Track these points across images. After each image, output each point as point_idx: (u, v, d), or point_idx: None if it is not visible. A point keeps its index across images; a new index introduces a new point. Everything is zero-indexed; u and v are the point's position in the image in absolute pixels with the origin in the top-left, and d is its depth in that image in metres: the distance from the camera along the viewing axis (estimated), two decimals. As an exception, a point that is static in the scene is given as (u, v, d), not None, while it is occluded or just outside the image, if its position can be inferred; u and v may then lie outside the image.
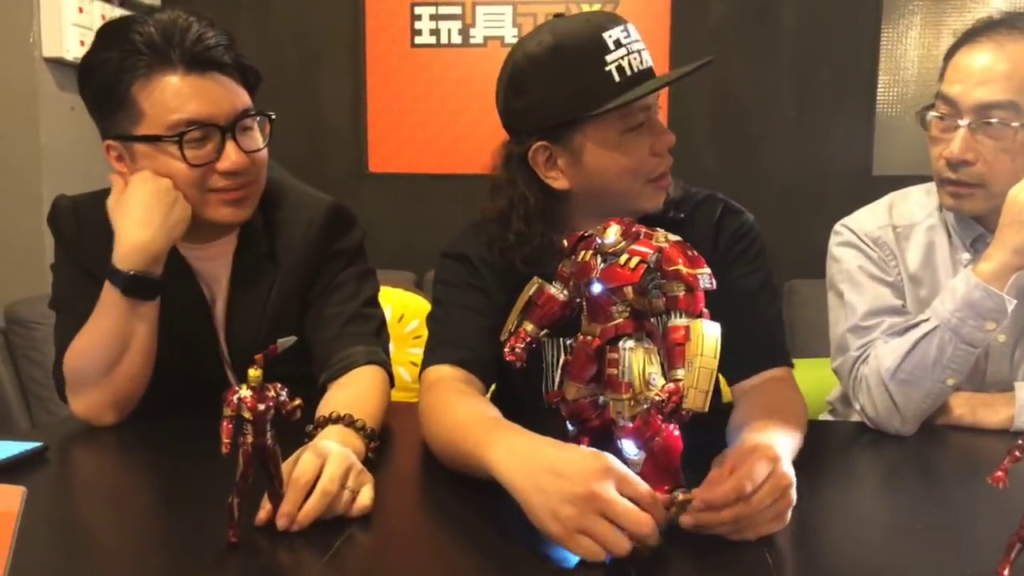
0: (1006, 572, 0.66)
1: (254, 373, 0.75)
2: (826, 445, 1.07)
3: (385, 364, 1.15)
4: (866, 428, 1.15)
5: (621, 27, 0.99)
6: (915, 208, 1.25)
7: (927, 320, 1.10)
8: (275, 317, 1.18)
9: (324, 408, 1.00)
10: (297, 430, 0.92)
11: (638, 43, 1.00)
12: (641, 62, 0.99)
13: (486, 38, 2.74)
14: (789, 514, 0.77)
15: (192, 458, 0.98)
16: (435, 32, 2.75)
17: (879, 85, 2.67)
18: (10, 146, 2.31)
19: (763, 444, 0.79)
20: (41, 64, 2.31)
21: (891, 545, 0.79)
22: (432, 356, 1.06)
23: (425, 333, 2.63)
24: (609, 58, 0.97)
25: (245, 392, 0.75)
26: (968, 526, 0.84)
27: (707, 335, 0.74)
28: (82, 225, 1.15)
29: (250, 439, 0.75)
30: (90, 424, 1.10)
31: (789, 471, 0.77)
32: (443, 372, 1.03)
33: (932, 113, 1.16)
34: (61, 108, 2.29)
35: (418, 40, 2.76)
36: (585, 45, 0.97)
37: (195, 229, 1.11)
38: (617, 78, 0.97)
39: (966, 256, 1.20)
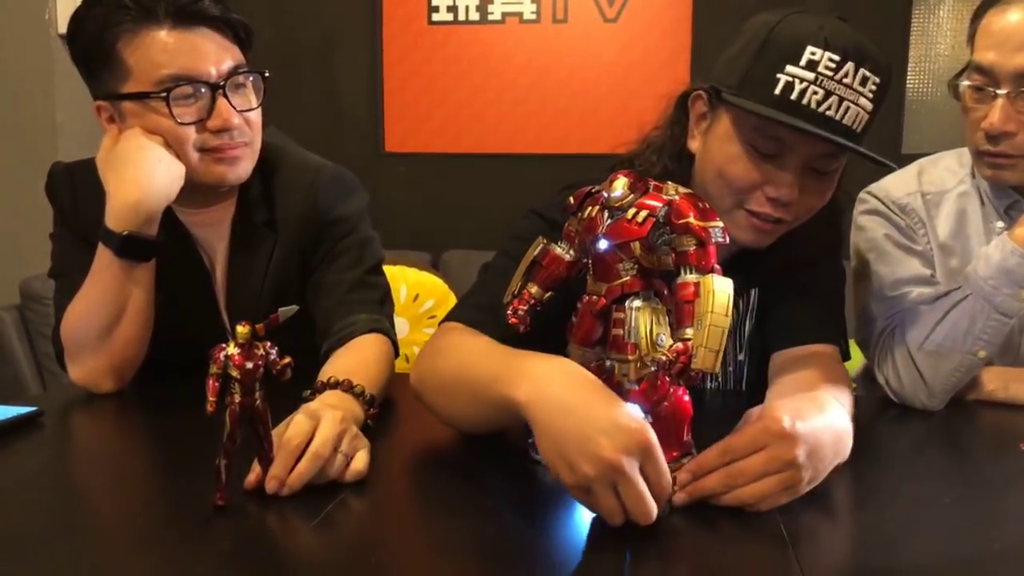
0: (1040, 545, 0.61)
1: (242, 330, 0.73)
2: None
3: (389, 333, 1.12)
4: (891, 403, 1.09)
5: (836, 58, 0.85)
6: (945, 175, 1.19)
7: (958, 288, 1.04)
8: (276, 285, 1.15)
9: (323, 375, 0.97)
10: (294, 397, 0.89)
11: (842, 88, 0.85)
12: (823, 103, 0.85)
13: (504, 14, 2.69)
14: (801, 488, 0.72)
15: (188, 423, 0.96)
16: (452, 8, 2.70)
17: (909, 60, 2.58)
18: (26, 123, 2.32)
19: (771, 408, 0.74)
20: (57, 41, 2.31)
21: (915, 518, 0.74)
22: (467, 315, 0.95)
23: (440, 313, 2.60)
24: (789, 68, 0.86)
25: (232, 349, 0.72)
26: (998, 500, 0.79)
27: (718, 291, 0.70)
28: (77, 191, 1.13)
29: (237, 398, 0.72)
30: (89, 391, 1.08)
31: (799, 436, 0.71)
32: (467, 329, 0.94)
33: (965, 83, 1.09)
34: (77, 85, 2.26)
35: (435, 17, 2.72)
36: (786, 42, 0.87)
37: (190, 192, 1.08)
38: (777, 91, 0.86)
39: (1000, 224, 1.13)
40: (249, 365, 0.72)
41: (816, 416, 0.75)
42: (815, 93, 0.85)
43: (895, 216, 1.17)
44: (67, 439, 1.00)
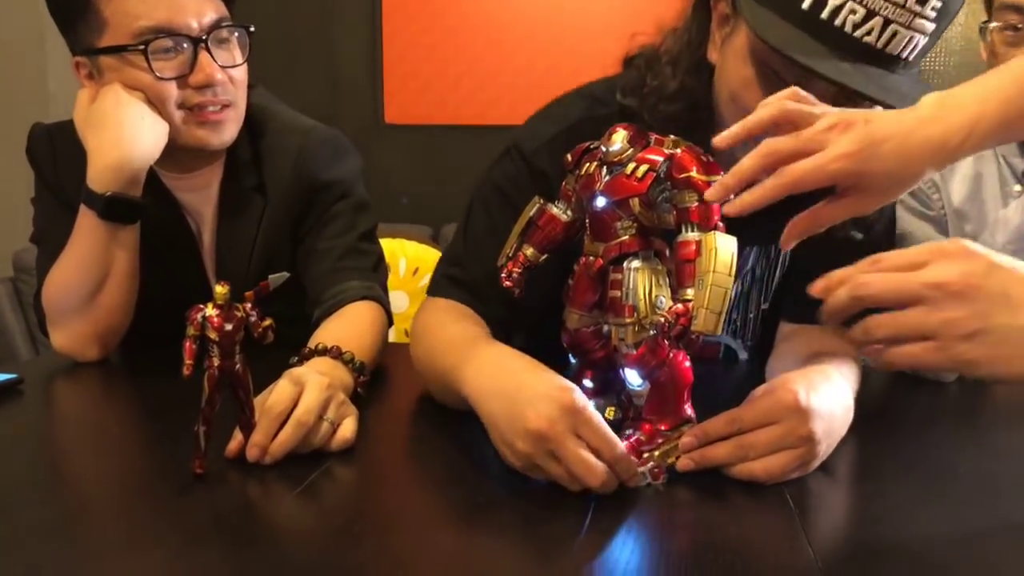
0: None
1: (221, 290, 0.70)
2: (859, 391, 0.99)
3: (382, 300, 1.08)
4: (903, 374, 1.05)
5: None
6: (961, 137, 1.14)
7: (975, 254, 1.00)
8: (266, 252, 1.12)
9: (312, 342, 0.93)
10: (281, 366, 0.86)
11: (890, 7, 0.70)
12: (861, 26, 0.70)
13: (506, -18, 2.63)
14: (814, 464, 0.69)
15: (171, 392, 0.92)
16: (453, -24, 2.65)
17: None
18: (18, 92, 2.28)
19: (783, 380, 0.71)
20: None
21: (928, 488, 0.71)
22: (445, 290, 0.92)
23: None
24: None
25: (210, 310, 0.69)
26: (1013, 471, 0.75)
27: (720, 249, 0.66)
28: (58, 152, 1.10)
29: (216, 361, 0.70)
30: (72, 359, 1.05)
31: (815, 411, 0.67)
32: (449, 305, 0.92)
33: (994, 24, 1.03)
34: (69, 54, 2.25)
35: (436, -15, 2.66)
36: None
37: (175, 155, 1.04)
38: (805, 5, 0.71)
39: (1017, 187, 1.09)
40: (228, 327, 0.69)
41: (827, 390, 0.72)
42: (852, 12, 0.70)
43: (908, 180, 1.12)
44: (47, 407, 0.97)
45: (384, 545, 0.60)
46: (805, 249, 0.96)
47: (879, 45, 0.72)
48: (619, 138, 0.73)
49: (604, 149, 0.74)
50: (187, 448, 0.70)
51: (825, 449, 0.70)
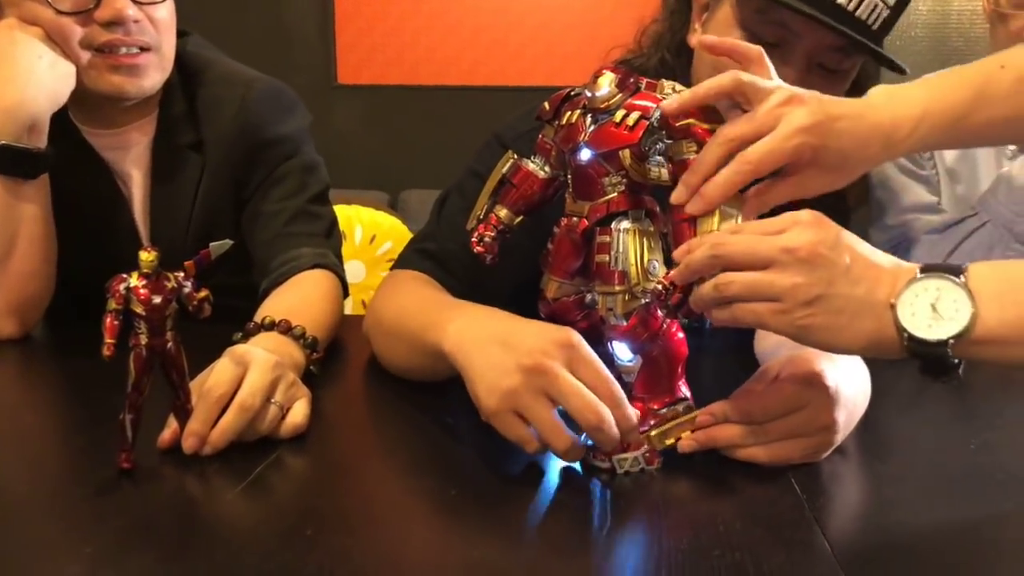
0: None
1: (147, 257, 0.62)
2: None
3: (336, 269, 1.00)
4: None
5: None
6: (953, 92, 1.09)
7: (973, 216, 0.96)
8: (205, 217, 1.03)
9: (259, 315, 0.85)
10: (224, 344, 0.77)
11: None
12: None
13: (465, -66, 2.52)
14: (825, 453, 0.64)
15: (99, 374, 0.82)
16: (409, -74, 2.53)
17: None
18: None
19: (806, 360, 0.64)
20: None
21: (941, 467, 0.66)
22: (416, 263, 0.88)
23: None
24: None
25: (135, 280, 0.61)
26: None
27: (723, 206, 0.59)
28: None
29: (144, 340, 0.62)
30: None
31: (842, 399, 0.62)
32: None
33: None
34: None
35: (391, -64, 2.54)
36: None
37: (94, 107, 0.94)
38: None
39: (1011, 147, 1.04)
40: (157, 299, 0.61)
41: (851, 371, 0.67)
42: None
43: (899, 138, 1.06)
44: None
45: (342, 548, 0.52)
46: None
47: (850, 7, 0.78)
48: (606, 81, 0.65)
49: (589, 94, 0.66)
50: (113, 439, 0.61)
51: (840, 438, 0.64)
